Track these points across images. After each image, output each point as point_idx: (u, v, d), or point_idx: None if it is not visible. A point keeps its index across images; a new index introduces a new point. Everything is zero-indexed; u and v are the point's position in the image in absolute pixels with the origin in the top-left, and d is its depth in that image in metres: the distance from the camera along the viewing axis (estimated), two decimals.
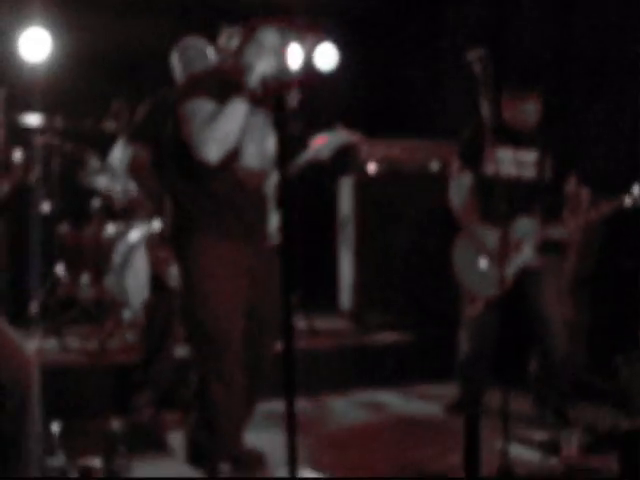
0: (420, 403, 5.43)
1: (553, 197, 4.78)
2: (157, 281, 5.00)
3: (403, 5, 7.41)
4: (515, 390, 4.51)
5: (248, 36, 3.89)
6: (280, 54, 3.81)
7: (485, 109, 4.38)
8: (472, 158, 4.98)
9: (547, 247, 4.78)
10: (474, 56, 4.27)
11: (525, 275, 4.66)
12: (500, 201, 4.62)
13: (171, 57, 5.10)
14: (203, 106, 3.67)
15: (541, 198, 4.66)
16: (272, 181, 3.97)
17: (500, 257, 4.44)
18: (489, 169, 4.86)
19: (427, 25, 7.53)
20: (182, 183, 3.85)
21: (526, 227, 4.79)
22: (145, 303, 5.43)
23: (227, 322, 3.75)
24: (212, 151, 3.61)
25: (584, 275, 5.54)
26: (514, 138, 4.64)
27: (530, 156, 4.82)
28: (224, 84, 3.74)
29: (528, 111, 4.86)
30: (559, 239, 4.78)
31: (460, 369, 5.12)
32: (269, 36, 3.87)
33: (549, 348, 4.78)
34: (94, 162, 5.63)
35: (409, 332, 6.24)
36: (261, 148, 3.83)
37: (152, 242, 5.11)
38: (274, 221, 3.99)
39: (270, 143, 3.85)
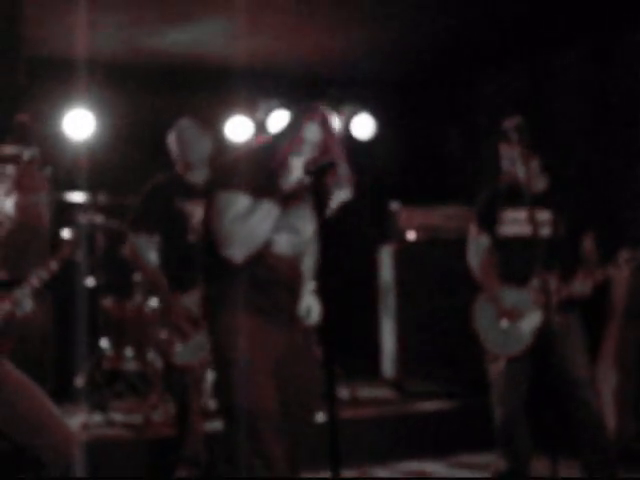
0: (466, 472, 5.36)
1: (568, 255, 4.69)
2: (165, 360, 4.99)
3: (439, 75, 7.47)
4: (564, 456, 4.48)
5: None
6: (318, 147, 3.76)
7: (522, 174, 4.38)
8: (489, 220, 4.97)
9: (569, 306, 4.66)
10: (511, 125, 4.27)
11: (551, 335, 4.55)
12: (517, 260, 4.74)
13: (168, 138, 5.15)
14: (238, 201, 3.63)
15: (557, 256, 4.58)
16: (308, 262, 3.98)
17: (541, 308, 4.51)
18: (505, 230, 4.88)
19: (463, 94, 7.59)
20: (212, 264, 3.82)
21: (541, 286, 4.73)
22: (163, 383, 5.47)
23: (260, 397, 3.68)
24: (237, 252, 3.59)
25: (630, 345, 5.48)
26: (529, 198, 4.59)
27: (545, 215, 4.75)
28: (261, 172, 3.69)
29: (536, 169, 4.79)
30: (579, 297, 4.65)
31: (498, 436, 5.04)
32: (309, 132, 3.77)
33: (581, 404, 4.69)
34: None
35: (452, 400, 6.17)
36: (293, 235, 3.79)
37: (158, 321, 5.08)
38: (311, 303, 3.96)
39: (304, 228, 3.83)
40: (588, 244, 4.75)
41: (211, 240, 3.79)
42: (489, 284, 4.98)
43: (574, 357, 4.67)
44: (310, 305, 3.94)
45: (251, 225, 3.59)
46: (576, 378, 4.64)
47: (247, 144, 4.14)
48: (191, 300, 4.87)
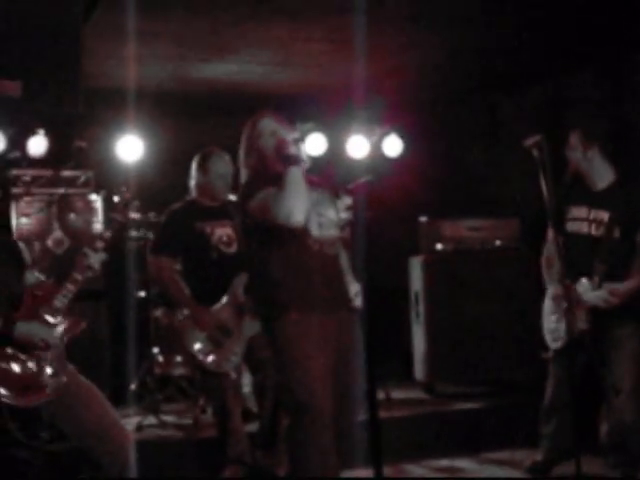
0: (495, 468, 5.31)
1: (618, 258, 4.54)
2: (201, 369, 5.01)
3: (463, 97, 7.49)
4: (589, 453, 4.47)
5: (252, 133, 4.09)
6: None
7: (545, 190, 4.38)
8: (559, 218, 4.71)
9: (625, 312, 4.52)
10: (532, 142, 4.30)
11: (604, 338, 4.51)
12: (572, 259, 4.55)
13: (193, 164, 5.18)
14: (269, 191, 3.75)
15: (606, 258, 4.51)
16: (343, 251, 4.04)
17: (564, 313, 4.37)
18: (569, 227, 4.76)
19: (486, 115, 7.60)
20: (267, 272, 3.87)
21: (586, 288, 4.60)
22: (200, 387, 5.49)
23: (320, 392, 3.68)
24: (296, 214, 3.67)
25: None
26: (589, 198, 4.55)
27: (600, 214, 4.63)
28: (273, 174, 3.84)
29: (593, 165, 4.73)
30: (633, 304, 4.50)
31: (541, 422, 5.04)
32: (268, 124, 4.05)
33: (617, 414, 4.66)
34: None
35: (480, 400, 6.14)
36: (319, 217, 3.90)
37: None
38: (353, 287, 4.02)
39: (326, 212, 3.95)
40: None
41: (253, 247, 3.91)
42: (548, 281, 4.95)
43: (620, 362, 4.56)
44: (358, 290, 4.02)
45: (290, 190, 3.70)
46: (619, 380, 4.55)
47: None
48: (220, 311, 4.94)
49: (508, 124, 7.30)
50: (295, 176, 3.73)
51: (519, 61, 6.54)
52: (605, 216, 4.57)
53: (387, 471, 4.94)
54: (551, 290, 4.89)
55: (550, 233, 4.90)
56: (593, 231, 4.51)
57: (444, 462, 5.42)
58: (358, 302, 4.01)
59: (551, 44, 6.14)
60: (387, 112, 7.21)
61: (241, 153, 4.13)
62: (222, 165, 5.12)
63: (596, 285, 4.40)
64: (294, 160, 3.78)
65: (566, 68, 6.58)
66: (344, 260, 4.08)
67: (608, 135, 6.15)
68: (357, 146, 7.28)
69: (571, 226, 4.74)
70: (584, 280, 4.55)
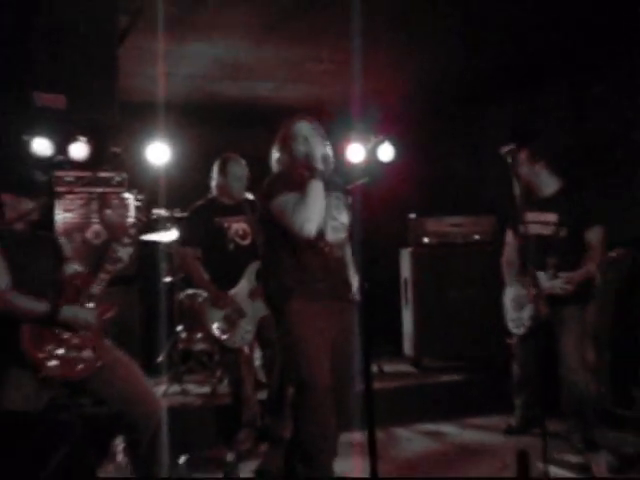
0: (472, 432, 5.33)
1: (567, 253, 4.58)
2: (220, 345, 5.04)
3: (448, 110, 7.49)
4: (555, 418, 4.61)
5: (287, 133, 3.92)
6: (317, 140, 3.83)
7: (517, 191, 4.38)
8: (515, 223, 4.90)
9: (570, 298, 4.57)
10: (507, 150, 4.28)
11: (555, 320, 4.54)
12: (527, 256, 4.67)
13: (214, 167, 5.16)
14: (289, 197, 3.68)
15: (556, 253, 4.54)
16: (348, 250, 3.99)
17: (532, 301, 4.49)
18: (522, 230, 4.74)
19: (468, 126, 7.60)
20: (270, 262, 3.88)
21: (541, 279, 4.66)
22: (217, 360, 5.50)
23: (318, 370, 3.66)
24: (309, 226, 3.61)
25: (606, 324, 5.45)
26: (539, 204, 4.57)
27: (550, 217, 4.69)
28: (298, 178, 3.74)
29: (540, 177, 4.76)
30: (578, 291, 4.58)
31: (513, 394, 5.09)
32: (303, 128, 3.88)
33: (569, 385, 4.69)
34: None
35: (461, 373, 6.15)
36: (334, 224, 3.82)
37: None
38: (354, 281, 3.97)
39: (340, 216, 3.86)
40: (595, 237, 4.58)
41: (268, 239, 3.88)
42: (506, 276, 5.03)
43: (566, 339, 4.60)
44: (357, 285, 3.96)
45: (309, 203, 3.62)
46: (567, 355, 4.59)
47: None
48: (236, 294, 4.94)
49: (486, 134, 7.29)
50: (316, 189, 3.65)
51: (496, 80, 6.53)
52: (552, 218, 4.61)
53: (379, 434, 5.01)
54: (511, 289, 4.95)
55: (509, 236, 4.98)
56: (543, 231, 4.53)
57: (429, 426, 5.44)
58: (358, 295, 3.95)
59: (523, 65, 6.14)
60: (381, 123, 7.22)
61: (274, 149, 3.99)
62: (239, 169, 5.12)
63: (551, 276, 4.40)
64: (318, 174, 3.67)
65: (537, 86, 6.57)
66: (348, 255, 4.02)
67: (568, 146, 6.21)
68: (355, 152, 7.27)
69: (526, 229, 4.75)
70: (540, 273, 4.58)
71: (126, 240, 3.74)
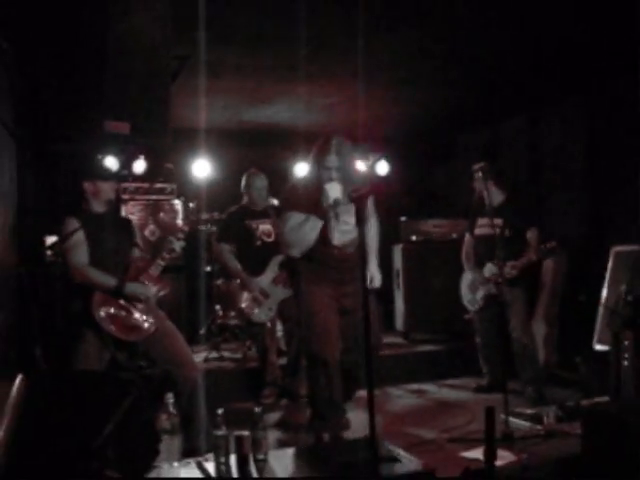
0: (449, 391, 5.36)
1: (511, 248, 4.64)
2: (247, 320, 5.06)
3: (430, 134, 7.51)
4: (515, 378, 4.70)
5: (323, 147, 3.72)
6: (347, 169, 3.67)
7: (487, 199, 4.41)
8: (471, 227, 5.07)
9: (516, 282, 4.67)
10: (478, 167, 4.31)
11: (505, 300, 4.56)
12: (480, 252, 4.87)
13: (242, 181, 5.19)
14: (294, 217, 3.63)
15: (503, 248, 4.57)
16: (372, 243, 3.95)
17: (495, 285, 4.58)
18: (477, 232, 4.96)
19: (446, 146, 7.62)
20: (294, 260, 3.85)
21: (491, 269, 4.76)
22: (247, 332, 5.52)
23: (326, 342, 3.66)
24: (293, 251, 3.62)
25: (555, 304, 5.49)
26: (490, 211, 4.59)
27: (497, 221, 4.71)
28: (310, 199, 3.67)
29: (491, 190, 4.74)
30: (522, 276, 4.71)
31: (480, 363, 5.14)
32: (338, 144, 3.68)
33: (517, 348, 4.74)
34: None
35: (442, 344, 6.17)
36: (344, 227, 3.74)
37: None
38: (374, 273, 3.87)
39: (350, 220, 3.70)
40: (532, 236, 4.71)
41: None
42: (466, 267, 5.09)
43: (512, 316, 4.71)
44: (373, 274, 3.88)
45: (302, 233, 3.59)
46: (514, 328, 4.70)
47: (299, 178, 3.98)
48: (262, 280, 4.98)
49: (462, 154, 7.33)
50: (314, 225, 3.59)
51: (470, 110, 6.55)
52: (499, 222, 4.66)
53: (376, 392, 5.01)
54: (467, 276, 5.07)
55: (466, 237, 5.05)
56: (493, 232, 4.57)
57: (415, 386, 5.46)
58: (377, 284, 3.87)
59: (491, 99, 6.17)
60: (378, 144, 7.24)
61: (308, 160, 3.83)
62: (260, 182, 5.17)
63: (499, 266, 4.43)
64: (324, 210, 3.58)
65: (502, 116, 6.60)
66: (371, 249, 3.88)
67: (526, 165, 6.24)
68: (358, 167, 7.29)
69: (479, 230, 4.91)
70: (490, 264, 4.72)
71: (180, 235, 3.80)
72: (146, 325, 3.68)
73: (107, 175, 3.86)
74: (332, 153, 3.65)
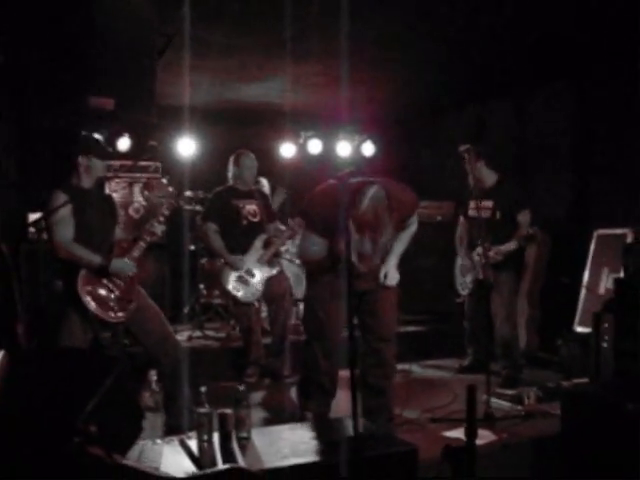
0: (432, 371, 5.42)
1: (502, 231, 4.69)
2: (233, 299, 5.05)
3: (416, 116, 7.51)
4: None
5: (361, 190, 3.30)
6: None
7: (472, 181, 4.42)
8: (464, 210, 5.06)
9: (501, 267, 4.70)
10: (464, 149, 4.32)
11: (487, 285, 4.59)
12: (472, 235, 4.86)
13: (230, 160, 5.16)
14: (310, 237, 3.55)
15: (491, 232, 4.60)
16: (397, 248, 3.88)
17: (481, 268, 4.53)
18: (470, 214, 4.94)
19: (433, 129, 7.62)
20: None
21: (478, 253, 4.78)
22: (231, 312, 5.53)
23: (326, 327, 3.63)
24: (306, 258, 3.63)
25: (538, 286, 5.54)
26: (481, 194, 4.60)
27: (487, 203, 4.77)
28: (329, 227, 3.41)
29: (482, 172, 4.81)
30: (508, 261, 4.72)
31: (465, 344, 5.19)
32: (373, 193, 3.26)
33: (499, 333, 4.77)
34: None
35: (427, 325, 6.22)
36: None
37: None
38: (389, 271, 3.75)
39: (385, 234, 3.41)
40: (523, 219, 4.69)
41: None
42: (458, 250, 5.12)
43: (495, 299, 4.74)
44: (388, 271, 3.75)
45: (307, 250, 3.59)
46: (496, 314, 4.74)
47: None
48: (247, 259, 4.96)
49: (446, 136, 7.32)
50: (319, 246, 3.51)
51: (455, 92, 6.55)
52: (490, 204, 4.70)
53: (357, 373, 5.01)
54: (460, 259, 5.07)
55: (460, 219, 5.06)
56: (483, 215, 4.58)
57: (400, 366, 5.31)
58: (390, 281, 3.73)
59: (476, 81, 6.17)
60: (364, 125, 7.23)
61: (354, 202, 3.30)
62: (249, 161, 5.15)
63: (484, 249, 4.43)
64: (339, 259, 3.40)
65: (487, 97, 6.60)
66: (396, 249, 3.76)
67: (511, 148, 6.26)
68: (343, 148, 7.30)
69: (471, 213, 4.88)
70: (478, 247, 4.71)
71: (161, 219, 3.79)
72: (128, 306, 3.67)
73: (105, 154, 3.81)
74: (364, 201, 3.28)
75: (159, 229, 3.76)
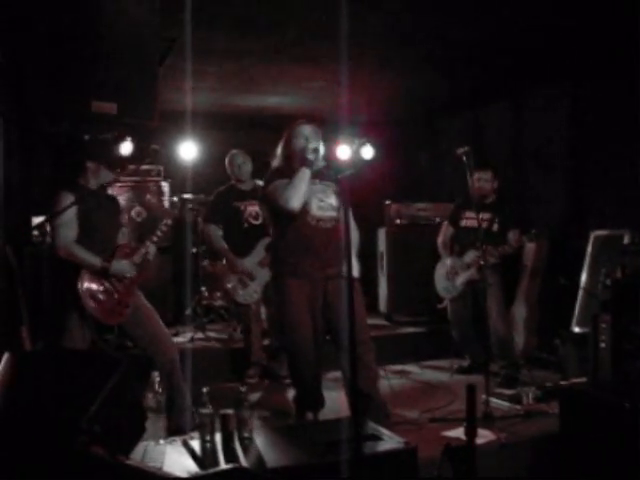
0: (430, 372, 5.42)
1: (497, 240, 4.76)
2: (233, 301, 5.07)
3: (415, 120, 7.51)
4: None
5: (291, 133, 3.82)
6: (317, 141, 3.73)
7: (470, 185, 4.42)
8: (455, 218, 5.12)
9: (495, 268, 4.75)
10: (461, 151, 4.32)
11: (484, 285, 4.60)
12: (464, 242, 4.94)
13: (226, 160, 5.21)
14: (281, 182, 3.65)
15: (488, 239, 4.63)
16: (355, 235, 3.86)
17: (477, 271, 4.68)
18: (462, 223, 5.03)
19: (430, 132, 7.62)
20: (277, 238, 3.82)
21: (471, 256, 4.84)
22: (232, 313, 5.51)
23: (298, 337, 3.66)
24: (293, 201, 3.54)
25: (536, 287, 5.53)
26: (478, 204, 4.62)
27: (486, 215, 4.84)
28: (291, 172, 3.68)
29: (483, 180, 4.89)
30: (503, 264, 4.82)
31: (456, 346, 5.20)
32: (305, 129, 3.80)
33: (494, 333, 4.77)
34: None
35: (423, 326, 6.22)
36: (320, 204, 3.72)
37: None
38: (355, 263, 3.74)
39: (327, 197, 3.75)
40: (513, 237, 4.75)
41: (273, 223, 3.81)
42: (443, 255, 5.13)
43: (491, 302, 4.74)
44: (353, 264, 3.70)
45: (295, 184, 3.56)
46: (490, 314, 4.72)
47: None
48: (248, 262, 4.98)
49: (445, 139, 7.33)
50: (302, 174, 3.59)
51: (452, 95, 6.56)
52: (488, 216, 4.80)
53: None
54: (444, 263, 5.11)
55: (444, 226, 5.16)
56: (482, 225, 4.61)
57: (398, 367, 5.50)
58: (355, 273, 3.71)
59: (473, 86, 6.17)
60: (363, 128, 7.22)
61: (278, 147, 3.89)
62: (240, 157, 5.17)
63: (483, 250, 4.45)
64: (308, 163, 3.64)
65: (484, 101, 6.60)
66: (354, 238, 3.81)
67: (508, 150, 6.27)
68: (343, 151, 7.27)
69: (465, 222, 5.00)
70: (472, 250, 4.81)
71: (154, 239, 3.81)
72: (126, 310, 3.67)
73: (114, 163, 3.83)
74: (299, 137, 3.78)
75: (152, 249, 3.78)
